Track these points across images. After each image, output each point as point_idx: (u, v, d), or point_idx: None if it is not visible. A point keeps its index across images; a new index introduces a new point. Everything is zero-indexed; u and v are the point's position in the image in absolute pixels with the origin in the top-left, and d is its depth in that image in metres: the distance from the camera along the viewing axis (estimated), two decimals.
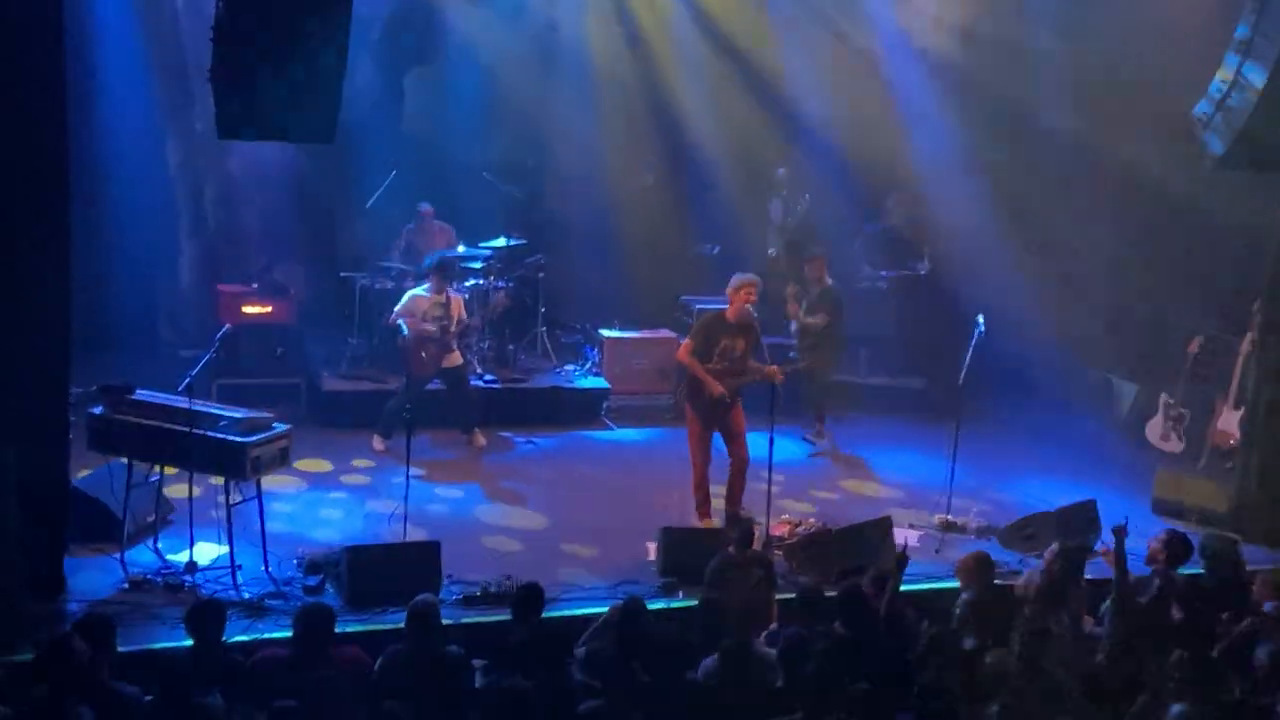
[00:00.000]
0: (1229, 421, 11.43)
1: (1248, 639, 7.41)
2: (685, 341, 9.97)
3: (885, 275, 13.98)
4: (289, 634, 6.95)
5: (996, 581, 7.97)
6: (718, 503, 9.78)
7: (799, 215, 14.25)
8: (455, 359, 11.30)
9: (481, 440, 11.47)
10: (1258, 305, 10.72)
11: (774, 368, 9.51)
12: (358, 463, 10.75)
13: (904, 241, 14.18)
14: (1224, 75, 9.26)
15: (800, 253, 12.86)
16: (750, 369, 9.59)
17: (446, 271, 11.30)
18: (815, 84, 14.05)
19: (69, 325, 8.02)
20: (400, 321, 11.03)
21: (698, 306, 12.74)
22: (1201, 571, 8.21)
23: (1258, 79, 8.98)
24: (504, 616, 7.52)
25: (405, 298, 11.21)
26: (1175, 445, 12.13)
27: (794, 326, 12.14)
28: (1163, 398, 12.27)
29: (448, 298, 11.17)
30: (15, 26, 7.51)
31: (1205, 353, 12.12)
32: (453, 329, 11.11)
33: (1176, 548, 7.96)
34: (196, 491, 8.48)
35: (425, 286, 11.21)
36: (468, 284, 12.46)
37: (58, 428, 8.04)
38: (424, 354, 11.07)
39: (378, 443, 11.04)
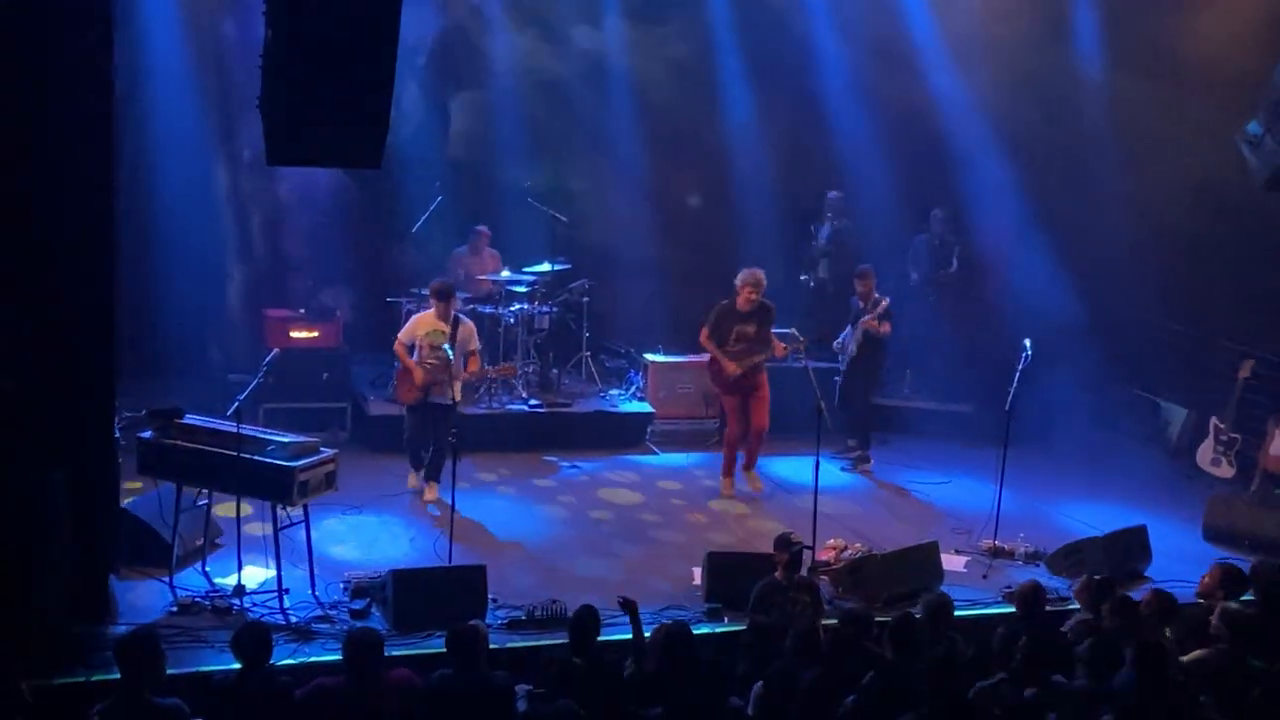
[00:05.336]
0: None
1: None
2: (703, 328, 11.13)
3: (927, 277, 13.84)
4: (336, 658, 6.96)
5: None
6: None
7: (840, 237, 14.15)
8: (444, 394, 10.38)
9: (432, 494, 10.58)
10: None
11: (781, 345, 10.96)
12: (403, 486, 10.76)
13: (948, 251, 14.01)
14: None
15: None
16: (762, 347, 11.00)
17: (442, 296, 10.62)
18: (860, 96, 13.99)
19: (114, 349, 8.10)
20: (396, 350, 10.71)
21: None
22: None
23: None
24: (550, 640, 7.50)
25: (410, 319, 10.94)
26: (1226, 470, 11.96)
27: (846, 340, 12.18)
28: (1213, 422, 12.12)
29: (456, 320, 10.63)
30: (65, 53, 7.59)
31: (1256, 376, 11.96)
32: (447, 371, 10.30)
33: (1231, 581, 7.86)
34: (245, 513, 8.52)
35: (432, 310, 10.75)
36: (513, 308, 12.51)
37: (106, 451, 8.12)
38: (407, 384, 10.61)
39: (413, 479, 10.78)
